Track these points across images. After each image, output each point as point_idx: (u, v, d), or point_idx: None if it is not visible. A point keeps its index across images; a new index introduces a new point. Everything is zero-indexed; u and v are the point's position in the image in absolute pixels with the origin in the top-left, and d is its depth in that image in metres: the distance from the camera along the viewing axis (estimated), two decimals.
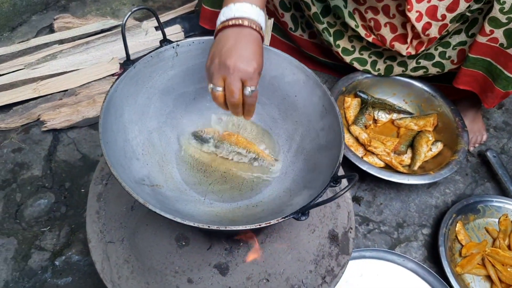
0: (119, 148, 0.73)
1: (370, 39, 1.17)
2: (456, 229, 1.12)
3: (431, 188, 1.23)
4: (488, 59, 1.07)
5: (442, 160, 1.17)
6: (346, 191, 0.59)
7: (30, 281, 0.96)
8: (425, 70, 1.22)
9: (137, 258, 0.79)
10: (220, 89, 0.69)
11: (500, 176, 1.22)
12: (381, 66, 1.26)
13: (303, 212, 0.64)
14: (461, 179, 1.26)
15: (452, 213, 1.12)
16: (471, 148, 1.32)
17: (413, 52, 1.15)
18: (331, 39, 1.23)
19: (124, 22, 0.74)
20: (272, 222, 0.62)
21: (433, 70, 1.21)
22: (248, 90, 0.69)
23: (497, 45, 1.03)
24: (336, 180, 0.68)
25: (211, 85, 0.70)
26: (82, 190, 1.10)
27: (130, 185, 0.63)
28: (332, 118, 0.78)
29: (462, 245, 1.10)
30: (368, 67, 1.27)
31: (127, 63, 0.77)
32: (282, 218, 0.63)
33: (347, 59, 1.27)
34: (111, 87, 0.73)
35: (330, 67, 1.43)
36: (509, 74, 1.06)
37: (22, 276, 0.96)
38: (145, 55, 0.79)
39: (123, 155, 0.73)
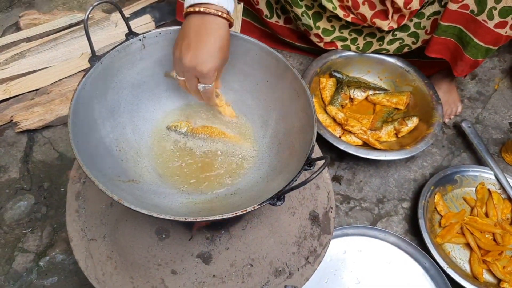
0: (92, 146, 0.72)
1: (349, 19, 1.17)
2: (435, 200, 1.14)
3: (409, 163, 1.25)
4: (459, 26, 1.09)
5: (418, 134, 1.18)
6: (317, 174, 0.60)
7: (15, 283, 0.96)
8: (401, 41, 1.22)
9: (119, 254, 0.80)
10: (181, 78, 0.76)
11: (475, 145, 1.24)
12: (360, 42, 1.27)
13: (278, 197, 0.64)
14: (438, 151, 1.28)
15: (430, 185, 1.14)
16: (447, 120, 1.34)
17: (395, 26, 1.15)
18: (310, 22, 1.22)
19: (86, 17, 0.72)
20: (249, 209, 0.62)
21: (408, 41, 1.22)
22: (200, 86, 0.74)
23: (468, 12, 1.05)
24: (310, 163, 0.69)
25: (175, 73, 0.77)
26: (62, 190, 1.09)
27: (104, 183, 0.62)
28: (304, 101, 0.77)
29: (441, 216, 1.13)
30: (348, 42, 1.28)
31: (93, 59, 0.75)
32: (258, 204, 0.63)
33: (328, 38, 1.27)
34: (78, 85, 0.71)
35: (307, 51, 1.43)
36: (478, 42, 1.07)
37: (7, 279, 0.96)
38: (111, 49, 0.77)
39: (96, 153, 0.72)
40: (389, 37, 1.22)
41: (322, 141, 1.10)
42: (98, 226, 0.83)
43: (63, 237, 1.02)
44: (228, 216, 0.62)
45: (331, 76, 1.31)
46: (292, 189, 0.63)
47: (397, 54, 1.29)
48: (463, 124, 1.28)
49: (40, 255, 1.00)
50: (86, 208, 0.85)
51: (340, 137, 1.19)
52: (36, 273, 0.98)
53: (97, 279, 0.78)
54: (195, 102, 0.89)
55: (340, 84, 1.30)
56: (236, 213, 0.62)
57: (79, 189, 0.88)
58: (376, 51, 1.28)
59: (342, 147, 1.10)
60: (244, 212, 0.63)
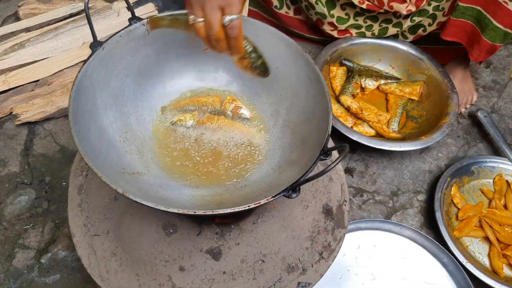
0: (94, 137, 0.69)
1: (364, 6, 1.14)
2: (452, 192, 1.10)
3: (423, 154, 1.21)
4: (478, 7, 1.05)
5: (433, 124, 1.14)
6: (337, 163, 0.56)
7: (16, 281, 0.92)
8: (418, 21, 1.19)
9: (124, 250, 0.77)
10: (200, 19, 0.63)
11: (492, 135, 1.20)
12: (376, 29, 1.24)
13: (293, 188, 0.61)
14: (453, 142, 1.24)
15: (446, 177, 1.10)
16: (462, 110, 1.29)
17: (413, 9, 1.11)
18: (325, 10, 1.19)
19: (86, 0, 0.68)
20: (262, 202, 0.59)
21: (424, 21, 1.18)
22: (227, 19, 0.61)
23: None
24: (326, 152, 0.65)
25: (192, 17, 0.64)
26: (64, 184, 1.06)
27: (108, 175, 0.58)
28: (318, 88, 0.74)
29: (458, 209, 1.09)
30: (363, 30, 1.24)
31: (95, 44, 0.71)
32: (272, 196, 0.60)
33: (342, 27, 1.23)
34: (79, 72, 0.68)
35: (317, 42, 1.39)
36: (497, 24, 1.04)
37: (7, 277, 0.93)
38: (113, 34, 0.73)
39: (98, 143, 0.69)
40: (407, 23, 1.17)
41: (332, 132, 1.06)
42: (101, 221, 0.79)
43: (65, 233, 0.99)
44: (240, 209, 0.59)
45: (341, 64, 1.27)
46: (308, 180, 0.60)
47: (411, 41, 1.25)
48: (479, 114, 1.24)
49: (41, 252, 0.97)
50: (89, 203, 0.82)
51: (351, 127, 1.14)
52: (38, 271, 0.95)
53: (101, 277, 0.75)
54: (201, 91, 0.86)
55: (350, 73, 1.26)
56: (248, 206, 0.59)
57: (81, 183, 0.85)
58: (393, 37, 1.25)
59: (354, 137, 1.06)
60: (257, 204, 0.59)
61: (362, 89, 1.25)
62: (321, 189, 0.89)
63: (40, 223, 1.00)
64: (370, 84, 1.24)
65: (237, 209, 0.59)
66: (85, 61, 0.69)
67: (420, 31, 1.21)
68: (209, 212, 0.58)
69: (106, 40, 0.72)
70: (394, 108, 1.21)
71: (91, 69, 0.70)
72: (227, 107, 0.84)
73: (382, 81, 1.26)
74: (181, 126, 0.81)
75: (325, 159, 0.65)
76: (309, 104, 0.77)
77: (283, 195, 0.60)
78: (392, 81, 1.26)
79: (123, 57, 0.76)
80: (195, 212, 0.57)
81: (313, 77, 0.75)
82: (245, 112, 0.84)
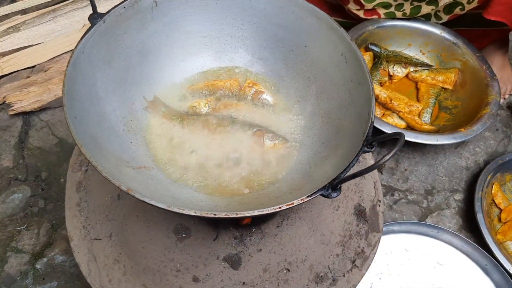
0: (93, 124, 0.61)
1: None
2: (493, 191, 1.01)
3: (459, 148, 1.12)
4: None
5: (470, 115, 1.04)
6: (392, 155, 0.46)
7: None
8: None
9: (129, 257, 0.71)
10: None
11: None
12: (407, 8, 1.14)
13: (333, 186, 0.52)
14: (491, 135, 1.15)
15: (486, 174, 1.02)
16: (501, 100, 1.19)
17: None
18: None
19: None
20: (296, 202, 0.50)
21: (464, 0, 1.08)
22: None
23: None
24: (371, 143, 0.56)
25: None
26: (62, 180, 1.01)
27: (109, 170, 0.51)
28: (355, 68, 0.65)
29: (501, 209, 1.01)
30: (392, 9, 1.15)
31: (94, 16, 0.63)
32: (308, 196, 0.51)
33: (370, 5, 1.15)
34: (75, 47, 0.60)
35: (340, 25, 1.29)
36: None
37: None
38: (116, 6, 0.64)
39: (99, 132, 0.61)
40: (444, 0, 1.06)
41: None
42: (103, 222, 0.73)
43: (63, 235, 0.94)
44: (269, 211, 0.50)
45: (367, 49, 1.19)
46: (354, 176, 0.50)
47: (445, 22, 1.15)
48: None
49: (36, 256, 0.92)
50: (89, 202, 0.76)
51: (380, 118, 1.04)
52: (32, 277, 0.89)
53: (102, 287, 0.68)
54: (217, 73, 0.77)
55: (377, 59, 1.18)
56: (280, 207, 0.51)
57: (80, 179, 0.79)
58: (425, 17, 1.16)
59: (386, 129, 0.96)
60: (290, 206, 0.51)
61: (390, 76, 1.17)
62: (352, 187, 0.81)
63: (35, 224, 0.95)
64: (398, 71, 1.16)
65: (266, 211, 0.50)
66: (83, 36, 0.60)
67: (457, 9, 1.10)
68: (233, 215, 0.50)
69: (108, 11, 0.64)
70: (426, 98, 1.11)
71: (90, 45, 0.61)
72: (246, 92, 0.75)
73: (412, 68, 1.18)
74: (195, 114, 0.73)
75: (369, 151, 0.56)
76: (344, 87, 0.67)
77: (321, 195, 0.51)
78: (423, 68, 1.18)
79: (128, 33, 0.68)
80: (215, 214, 0.49)
81: (349, 56, 0.66)
82: (267, 97, 0.75)
